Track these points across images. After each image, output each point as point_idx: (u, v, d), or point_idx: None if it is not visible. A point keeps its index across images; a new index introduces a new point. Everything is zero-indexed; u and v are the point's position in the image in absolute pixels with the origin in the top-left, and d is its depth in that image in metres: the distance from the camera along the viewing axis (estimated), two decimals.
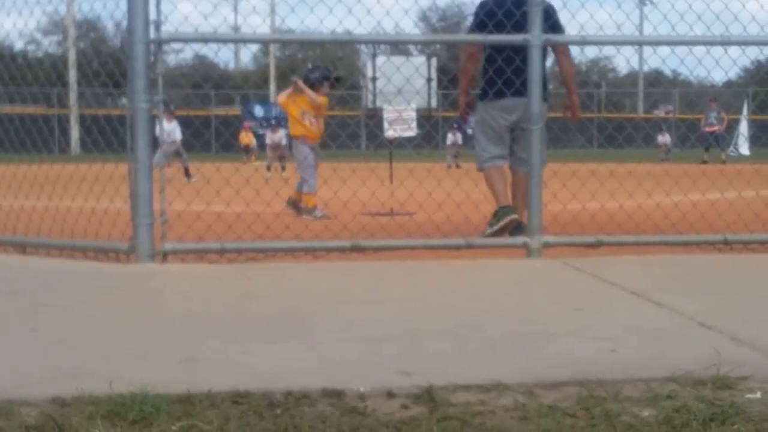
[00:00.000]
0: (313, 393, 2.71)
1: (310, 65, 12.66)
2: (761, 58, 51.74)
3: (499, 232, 6.69)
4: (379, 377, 2.89)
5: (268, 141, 24.34)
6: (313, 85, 10.90)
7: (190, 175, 17.92)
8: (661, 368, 2.96)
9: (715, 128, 30.04)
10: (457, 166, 25.39)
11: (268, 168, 22.02)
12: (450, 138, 30.77)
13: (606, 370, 2.97)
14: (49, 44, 57.12)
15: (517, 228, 6.56)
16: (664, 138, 37.20)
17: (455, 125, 31.87)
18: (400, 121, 12.94)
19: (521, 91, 6.33)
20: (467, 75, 7.28)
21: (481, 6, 6.92)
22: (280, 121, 27.72)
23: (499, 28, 6.45)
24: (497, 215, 6.79)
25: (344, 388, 2.74)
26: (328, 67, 12.65)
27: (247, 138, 33.64)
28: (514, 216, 6.67)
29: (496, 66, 6.69)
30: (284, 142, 23.18)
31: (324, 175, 7.18)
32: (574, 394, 2.74)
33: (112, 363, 3.11)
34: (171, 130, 21.06)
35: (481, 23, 6.75)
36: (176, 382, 2.77)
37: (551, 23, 6.58)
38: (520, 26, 6.16)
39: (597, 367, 2.99)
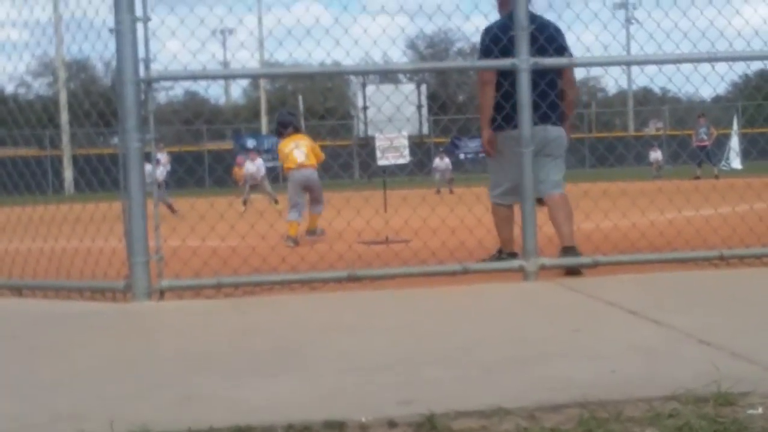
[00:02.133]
0: (314, 425, 2.70)
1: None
2: (749, 72, 52.00)
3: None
4: (379, 407, 2.88)
5: (245, 170, 22.95)
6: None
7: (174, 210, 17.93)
8: (662, 387, 2.96)
9: (705, 143, 30.15)
10: (451, 192, 25.13)
11: (244, 202, 20.73)
12: (436, 162, 30.66)
13: (606, 390, 2.96)
14: (39, 86, 57.24)
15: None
16: (656, 154, 37.30)
17: (441, 150, 31.89)
18: (392, 149, 12.99)
19: (537, 119, 6.23)
20: (488, 104, 6.66)
21: (486, 32, 6.68)
22: (259, 149, 27.62)
23: (505, 53, 6.25)
24: (496, 256, 6.68)
25: (345, 419, 2.73)
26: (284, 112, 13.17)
27: (241, 173, 33.45)
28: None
29: (509, 94, 6.34)
30: (263, 172, 22.89)
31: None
32: (576, 416, 2.73)
33: (111, 403, 3.10)
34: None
35: (486, 49, 6.58)
36: (177, 420, 2.76)
37: (556, 46, 6.48)
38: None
39: (597, 388, 2.99)
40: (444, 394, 3.02)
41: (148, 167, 5.81)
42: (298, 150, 11.47)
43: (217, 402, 3.07)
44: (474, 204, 6.74)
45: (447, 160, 30.58)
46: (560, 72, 6.70)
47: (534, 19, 6.26)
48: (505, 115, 6.40)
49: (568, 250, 6.31)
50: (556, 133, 6.65)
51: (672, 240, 6.79)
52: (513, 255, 6.48)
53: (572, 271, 6.15)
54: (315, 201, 11.36)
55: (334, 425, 2.71)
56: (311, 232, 10.91)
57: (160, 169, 22.00)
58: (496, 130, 6.63)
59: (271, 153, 46.70)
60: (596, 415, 2.72)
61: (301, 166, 11.39)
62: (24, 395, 3.29)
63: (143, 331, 4.74)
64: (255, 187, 22.25)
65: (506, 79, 6.32)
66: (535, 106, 6.18)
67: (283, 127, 11.89)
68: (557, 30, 6.65)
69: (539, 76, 6.27)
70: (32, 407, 3.08)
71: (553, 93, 6.54)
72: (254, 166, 22.72)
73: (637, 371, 3.29)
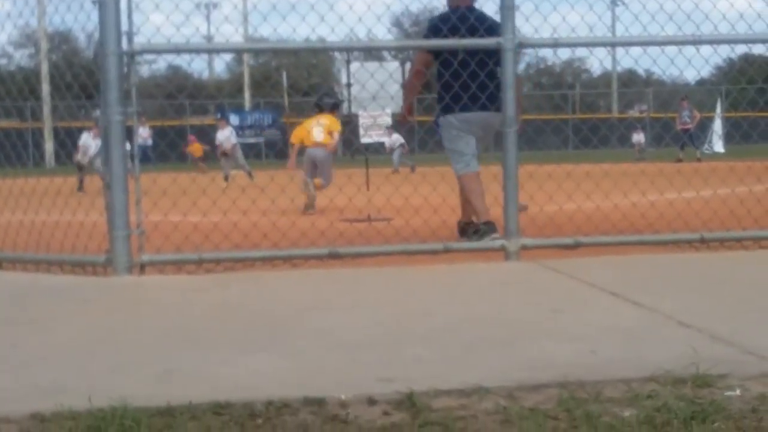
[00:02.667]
0: (294, 402, 2.70)
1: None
2: (733, 56, 52.13)
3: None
4: (359, 384, 2.88)
5: (217, 143, 22.74)
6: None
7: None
8: (641, 368, 2.98)
9: (688, 126, 30.22)
10: (412, 170, 23.70)
11: (225, 177, 20.37)
12: (386, 141, 29.15)
13: (586, 371, 2.98)
14: (20, 58, 56.80)
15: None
16: (639, 137, 37.38)
17: (388, 126, 30.40)
18: (375, 127, 12.96)
19: (486, 105, 6.70)
20: (414, 90, 7.53)
21: (429, 22, 7.27)
22: (227, 118, 27.28)
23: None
24: (481, 232, 6.67)
25: (325, 396, 2.74)
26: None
27: (194, 148, 32.90)
28: (497, 235, 6.40)
29: (463, 79, 6.73)
30: (233, 141, 22.43)
31: (300, 183, 7.17)
32: (555, 396, 2.74)
33: (91, 377, 3.09)
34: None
35: (426, 38, 7.19)
36: (156, 395, 2.76)
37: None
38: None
39: (577, 369, 3.00)
40: (424, 373, 3.03)
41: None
42: (316, 129, 12.44)
43: (197, 377, 3.07)
44: (456, 183, 6.73)
45: (396, 135, 28.24)
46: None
47: (472, 11, 6.98)
48: (455, 99, 6.88)
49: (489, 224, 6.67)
50: (499, 119, 6.54)
51: (653, 222, 6.81)
52: (492, 227, 6.62)
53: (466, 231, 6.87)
54: (322, 178, 12.07)
55: (313, 402, 2.71)
56: (308, 206, 11.38)
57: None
58: (447, 113, 7.05)
59: (254, 129, 46.68)
60: (576, 395, 2.73)
61: (314, 144, 12.34)
62: (3, 369, 3.28)
63: (123, 306, 4.72)
64: (227, 156, 21.92)
65: (446, 68, 6.80)
66: (482, 90, 6.61)
67: (319, 109, 12.83)
68: (495, 23, 6.71)
69: (480, 65, 6.62)
70: (11, 380, 3.07)
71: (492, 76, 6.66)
72: (223, 135, 22.38)
73: (617, 352, 3.30)
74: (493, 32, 6.53)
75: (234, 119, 45.70)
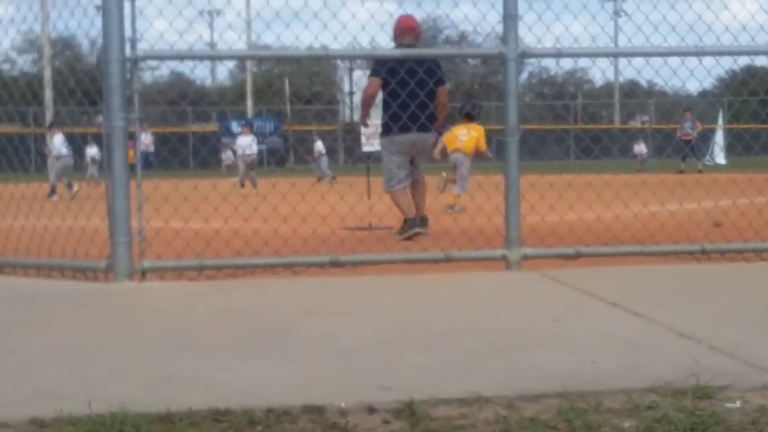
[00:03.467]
0: (293, 409, 2.70)
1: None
2: (735, 67, 52.10)
3: (408, 238, 8.13)
4: (359, 392, 2.88)
5: (239, 151, 22.62)
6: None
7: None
8: (641, 379, 2.97)
9: (690, 137, 30.21)
10: (332, 181, 22.69)
11: (242, 184, 20.45)
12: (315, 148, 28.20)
13: (586, 381, 2.97)
14: (24, 63, 56.80)
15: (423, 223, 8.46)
16: (640, 147, 37.35)
17: (315, 134, 28.68)
18: (377, 136, 12.97)
19: (420, 127, 8.14)
20: (365, 113, 8.99)
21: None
22: (251, 125, 27.01)
23: (391, 73, 8.21)
24: (406, 226, 8.32)
25: (325, 404, 2.73)
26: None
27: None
28: (419, 229, 8.31)
29: (399, 105, 7.93)
30: (255, 149, 22.54)
31: (302, 190, 7.17)
32: (555, 406, 2.74)
33: (90, 382, 3.08)
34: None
35: (375, 70, 8.54)
36: (156, 401, 2.75)
37: (436, 80, 8.23)
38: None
39: (577, 379, 2.99)
40: (424, 381, 3.02)
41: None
42: (461, 135, 13.54)
43: (196, 383, 3.06)
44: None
45: (320, 143, 27.10)
46: (434, 94, 8.38)
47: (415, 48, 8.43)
48: (396, 123, 8.24)
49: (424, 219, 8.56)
50: (431, 139, 9.06)
51: (655, 233, 6.80)
52: (414, 222, 8.34)
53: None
54: (458, 179, 13.31)
55: (313, 410, 2.70)
56: (450, 206, 12.31)
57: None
58: (389, 135, 8.54)
59: (256, 136, 46.63)
60: (576, 406, 2.73)
61: (455, 149, 13.45)
62: (3, 373, 3.28)
63: (124, 311, 4.72)
64: (245, 162, 21.75)
65: (394, 99, 8.05)
66: (417, 117, 7.90)
67: (467, 117, 13.88)
68: (436, 64, 8.57)
69: (420, 86, 7.75)
70: (11, 385, 3.07)
71: (429, 103, 8.16)
72: (245, 141, 22.21)
73: (617, 363, 3.30)
74: (433, 73, 8.14)
75: (236, 126, 45.73)
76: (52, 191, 17.46)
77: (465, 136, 13.48)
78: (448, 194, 13.30)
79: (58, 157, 18.61)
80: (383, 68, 8.37)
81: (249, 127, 24.46)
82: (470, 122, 13.71)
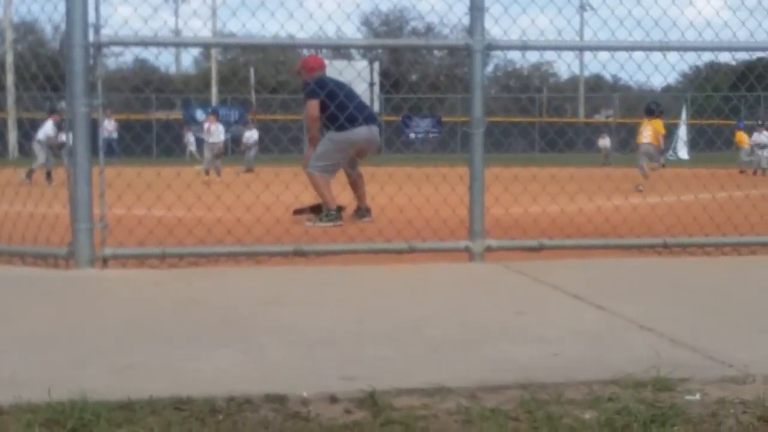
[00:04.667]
0: (255, 398, 2.69)
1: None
2: (699, 63, 52.52)
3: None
4: (321, 382, 2.88)
5: (205, 137, 22.19)
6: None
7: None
8: (603, 371, 2.99)
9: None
10: (248, 170, 22.68)
11: (207, 172, 20.20)
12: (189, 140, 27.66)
13: (548, 373, 2.99)
14: None
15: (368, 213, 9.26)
16: (605, 141, 37.52)
17: (249, 124, 28.06)
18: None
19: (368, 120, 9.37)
20: (313, 134, 9.68)
21: (316, 82, 9.25)
22: (217, 113, 26.78)
23: (330, 97, 8.91)
24: (329, 217, 8.82)
25: (287, 393, 2.73)
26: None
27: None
28: (340, 222, 8.78)
29: (344, 105, 8.65)
30: (222, 137, 22.40)
31: (266, 180, 7.14)
32: (517, 397, 2.75)
33: (50, 370, 3.06)
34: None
35: (312, 91, 9.21)
36: (116, 389, 2.73)
37: (355, 104, 9.08)
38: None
39: (539, 371, 3.01)
40: (387, 372, 3.02)
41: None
42: (645, 130, 16.50)
43: (158, 372, 3.05)
44: (423, 183, 6.74)
45: (250, 133, 26.25)
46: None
47: (338, 84, 9.22)
48: (338, 123, 8.82)
49: (367, 209, 9.30)
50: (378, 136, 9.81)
51: (617, 226, 6.84)
52: (339, 214, 8.95)
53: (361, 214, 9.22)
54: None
55: (275, 399, 2.70)
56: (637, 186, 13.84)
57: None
58: (338, 130, 9.10)
59: (221, 125, 46.37)
60: (537, 397, 2.74)
61: (641, 142, 16.56)
62: None
63: (85, 299, 4.69)
64: (215, 152, 21.53)
65: (333, 101, 8.78)
66: (360, 113, 9.10)
67: (648, 113, 16.99)
68: (352, 90, 9.50)
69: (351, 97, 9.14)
70: None
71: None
72: (250, 134, 22.15)
73: (579, 355, 3.32)
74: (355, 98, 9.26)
75: (200, 114, 45.43)
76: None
77: (649, 130, 16.41)
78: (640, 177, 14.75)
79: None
80: (322, 89, 9.11)
81: (215, 114, 24.33)
82: (651, 118, 16.67)
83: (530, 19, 6.65)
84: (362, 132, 9.34)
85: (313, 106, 9.27)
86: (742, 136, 27.31)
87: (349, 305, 4.43)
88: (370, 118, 9.61)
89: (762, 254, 6.26)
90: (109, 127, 27.62)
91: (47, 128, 19.05)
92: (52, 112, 19.84)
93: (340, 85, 9.21)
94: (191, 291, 4.82)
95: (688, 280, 5.29)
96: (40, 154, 18.89)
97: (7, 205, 6.28)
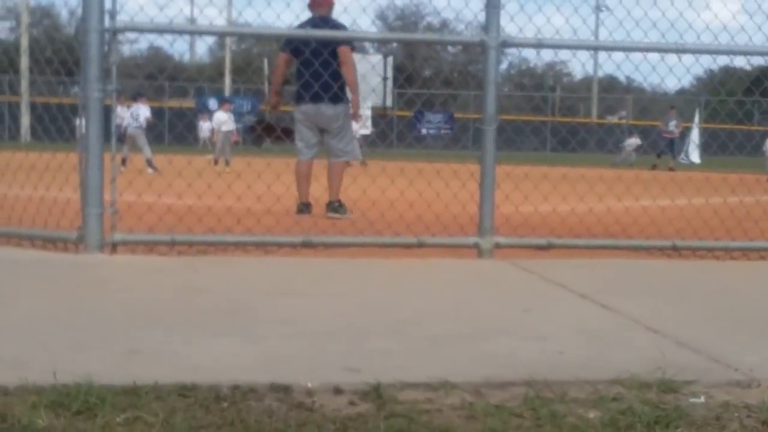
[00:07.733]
0: (260, 387, 2.70)
1: None
2: (714, 67, 52.42)
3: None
4: (326, 373, 2.88)
5: (215, 126, 22.26)
6: None
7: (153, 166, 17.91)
8: (608, 370, 2.99)
9: (673, 135, 30.45)
10: (225, 163, 21.35)
11: (216, 161, 20.23)
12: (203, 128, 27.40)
13: (553, 371, 2.98)
14: (1, 30, 56.34)
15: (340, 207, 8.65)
16: (636, 140, 36.02)
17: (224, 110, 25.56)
18: (369, 119, 12.96)
19: (310, 99, 8.55)
20: (277, 80, 9.64)
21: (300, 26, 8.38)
22: (231, 102, 26.62)
23: (300, 47, 8.41)
24: (299, 210, 8.59)
25: (291, 384, 2.73)
26: None
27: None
28: (307, 214, 8.55)
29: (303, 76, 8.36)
30: (233, 126, 22.22)
31: (277, 170, 7.15)
32: (521, 394, 2.75)
33: (56, 353, 3.07)
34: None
35: (287, 41, 8.75)
36: (122, 374, 2.74)
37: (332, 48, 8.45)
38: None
39: (544, 368, 3.00)
40: (391, 365, 3.03)
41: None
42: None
43: (163, 358, 3.05)
44: (434, 178, 6.74)
45: (209, 123, 26.12)
46: (335, 54, 8.52)
47: (327, 21, 8.63)
48: (299, 94, 8.64)
49: (331, 203, 8.67)
50: (330, 111, 8.76)
51: (627, 228, 6.83)
52: (307, 207, 8.69)
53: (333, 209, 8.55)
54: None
55: (279, 388, 2.70)
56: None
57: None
58: (297, 104, 8.83)
59: (233, 114, 46.40)
60: (541, 395, 2.74)
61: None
62: None
63: (93, 283, 4.70)
64: (227, 140, 21.57)
65: (307, 67, 8.24)
66: (310, 87, 8.21)
67: None
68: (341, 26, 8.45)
69: (314, 55, 7.97)
70: None
71: (327, 74, 7.97)
72: (225, 116, 22.12)
73: (584, 354, 3.32)
74: (328, 43, 8.29)
75: (213, 104, 45.44)
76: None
77: None
78: None
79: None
80: (289, 43, 8.77)
81: (229, 103, 24.33)
82: None
83: (546, 18, 6.64)
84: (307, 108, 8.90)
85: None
86: None
87: (355, 298, 4.43)
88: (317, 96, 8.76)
89: None
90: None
91: (144, 111, 19.63)
92: (137, 96, 20.35)
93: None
94: (199, 279, 4.83)
95: (695, 283, 5.29)
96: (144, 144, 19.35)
97: (18, 188, 6.30)
